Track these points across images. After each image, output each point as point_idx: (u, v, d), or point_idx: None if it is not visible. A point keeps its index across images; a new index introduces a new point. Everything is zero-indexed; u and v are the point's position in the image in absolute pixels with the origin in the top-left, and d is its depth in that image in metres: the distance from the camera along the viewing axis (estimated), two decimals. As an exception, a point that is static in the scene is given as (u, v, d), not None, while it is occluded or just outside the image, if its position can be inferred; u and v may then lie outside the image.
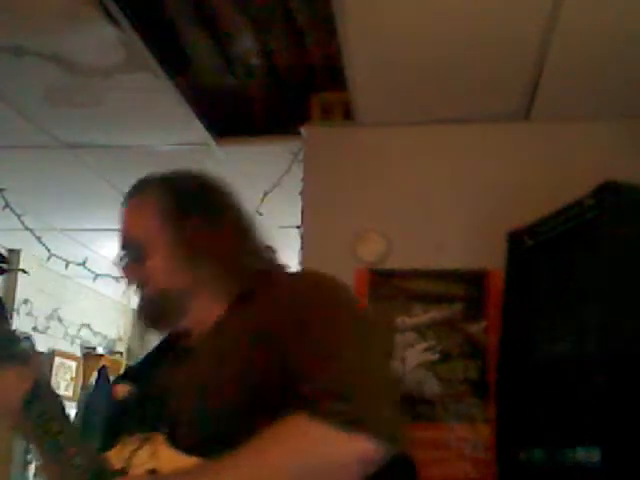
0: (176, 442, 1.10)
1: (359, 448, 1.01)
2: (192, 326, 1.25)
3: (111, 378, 6.02)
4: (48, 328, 5.52)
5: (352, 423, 1.00)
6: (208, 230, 1.23)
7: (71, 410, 5.70)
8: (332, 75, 2.75)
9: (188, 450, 1.08)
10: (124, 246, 1.27)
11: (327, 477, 1.03)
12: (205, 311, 1.23)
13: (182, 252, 1.22)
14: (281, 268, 1.30)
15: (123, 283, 1.28)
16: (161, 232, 1.23)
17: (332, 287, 1.19)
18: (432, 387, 2.60)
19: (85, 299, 6.00)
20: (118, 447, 1.15)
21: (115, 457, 1.14)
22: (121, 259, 1.26)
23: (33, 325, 5.31)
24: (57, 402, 1.15)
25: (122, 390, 1.19)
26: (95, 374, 5.93)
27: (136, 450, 1.12)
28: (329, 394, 1.02)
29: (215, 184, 1.35)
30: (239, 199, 1.35)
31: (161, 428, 1.12)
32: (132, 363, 1.33)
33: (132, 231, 1.26)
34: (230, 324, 1.19)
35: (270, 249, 1.32)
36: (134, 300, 1.27)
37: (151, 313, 1.25)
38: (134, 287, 1.26)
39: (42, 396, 1.13)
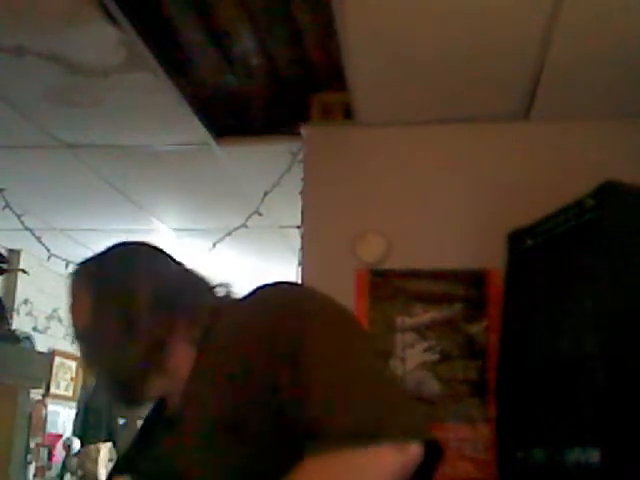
0: None
1: (386, 457, 0.93)
2: (173, 389, 1.19)
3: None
4: (48, 328, 5.52)
5: (366, 436, 0.93)
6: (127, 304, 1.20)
7: (71, 410, 5.70)
8: (332, 75, 2.75)
9: None
10: (76, 337, 1.26)
11: None
12: (179, 369, 1.17)
13: (120, 330, 1.19)
14: (232, 299, 1.23)
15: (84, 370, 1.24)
16: (95, 320, 1.22)
17: (287, 300, 1.10)
18: (432, 387, 2.60)
19: (85, 299, 5.99)
20: None
21: None
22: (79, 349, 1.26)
23: (33, 325, 5.31)
24: None
25: None
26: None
27: None
28: (329, 417, 0.95)
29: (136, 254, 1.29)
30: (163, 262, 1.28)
31: None
32: (122, 452, 1.31)
33: (76, 325, 1.26)
34: (198, 375, 1.13)
35: (222, 285, 1.27)
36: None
37: (120, 395, 1.25)
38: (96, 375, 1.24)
39: None
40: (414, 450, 0.95)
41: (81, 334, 1.25)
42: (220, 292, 1.25)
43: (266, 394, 1.00)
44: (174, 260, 1.29)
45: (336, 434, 0.94)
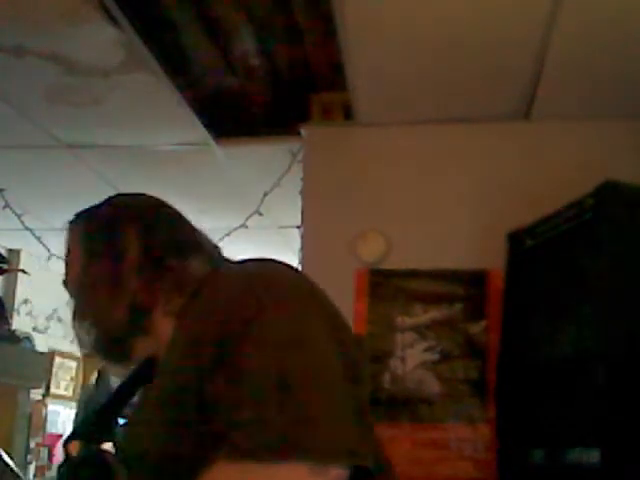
0: None
1: (298, 477, 0.86)
2: (159, 352, 1.15)
3: (112, 378, 6.02)
4: (48, 328, 5.51)
5: (278, 453, 0.85)
6: (116, 260, 1.18)
7: (71, 410, 5.71)
8: (332, 75, 2.75)
9: None
10: (68, 293, 1.26)
11: None
12: (162, 335, 1.14)
13: (106, 288, 1.18)
14: (221, 266, 1.19)
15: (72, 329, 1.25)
16: (83, 275, 1.22)
17: (256, 289, 1.00)
18: (432, 387, 2.60)
19: (85, 299, 5.98)
20: None
21: None
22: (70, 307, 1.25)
23: (33, 325, 5.31)
24: None
25: (74, 448, 1.15)
26: (95, 374, 5.93)
27: None
28: (245, 426, 0.88)
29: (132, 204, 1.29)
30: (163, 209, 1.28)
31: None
32: (82, 418, 1.29)
33: (67, 277, 1.27)
34: (169, 347, 1.08)
35: (216, 249, 1.25)
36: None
37: (105, 352, 1.23)
38: (84, 330, 1.23)
39: None
40: (334, 474, 0.87)
41: (71, 286, 1.25)
42: (212, 255, 1.22)
43: (205, 383, 0.94)
44: (174, 215, 1.27)
45: (246, 446, 0.86)
